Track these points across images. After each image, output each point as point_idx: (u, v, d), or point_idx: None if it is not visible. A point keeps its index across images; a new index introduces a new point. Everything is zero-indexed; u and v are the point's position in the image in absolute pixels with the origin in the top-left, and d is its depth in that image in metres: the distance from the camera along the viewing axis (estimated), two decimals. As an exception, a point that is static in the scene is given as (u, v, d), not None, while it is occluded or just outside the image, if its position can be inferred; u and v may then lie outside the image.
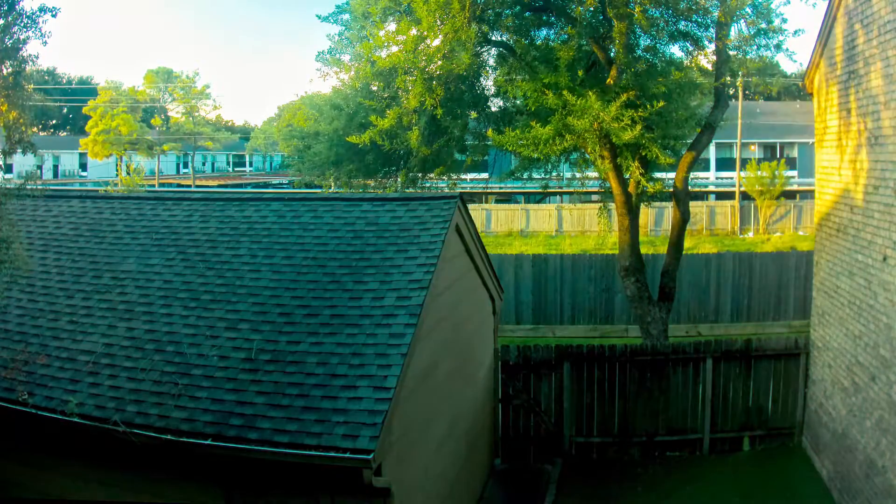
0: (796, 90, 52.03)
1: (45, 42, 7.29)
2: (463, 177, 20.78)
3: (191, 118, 62.97)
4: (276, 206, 10.01)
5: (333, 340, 7.46)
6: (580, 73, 12.00)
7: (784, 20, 13.10)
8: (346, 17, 14.62)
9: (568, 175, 17.91)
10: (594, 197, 34.58)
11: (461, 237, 9.93)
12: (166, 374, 7.32)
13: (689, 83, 12.34)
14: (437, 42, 12.34)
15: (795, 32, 12.85)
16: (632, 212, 14.20)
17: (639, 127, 11.07)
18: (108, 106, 54.87)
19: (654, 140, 11.83)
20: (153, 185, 53.27)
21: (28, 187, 7.52)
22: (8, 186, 7.39)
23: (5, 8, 7.10)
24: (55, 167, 66.71)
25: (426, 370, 8.27)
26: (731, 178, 44.72)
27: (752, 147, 48.21)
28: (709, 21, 12.68)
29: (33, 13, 7.20)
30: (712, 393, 13.05)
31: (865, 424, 10.29)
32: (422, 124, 12.89)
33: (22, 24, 7.13)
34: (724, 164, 48.86)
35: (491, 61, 14.87)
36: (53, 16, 7.35)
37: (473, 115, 14.92)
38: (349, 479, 6.35)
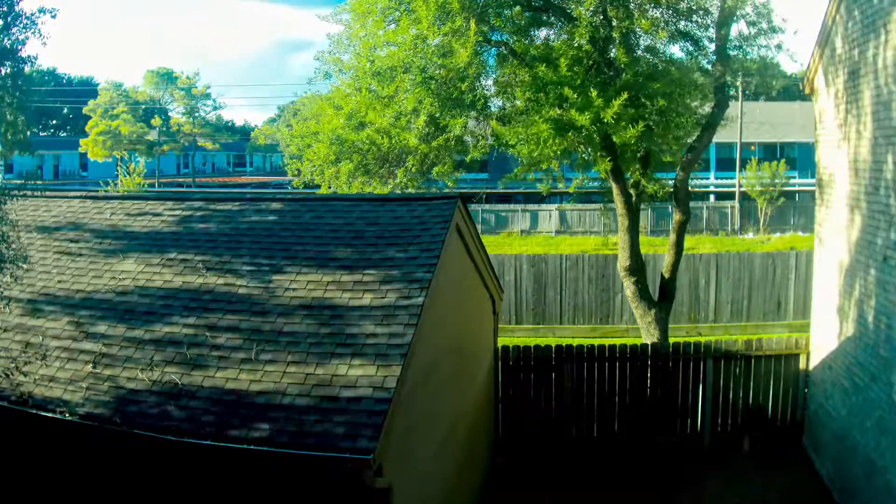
0: (796, 90, 51.94)
1: (45, 43, 7.32)
2: (463, 177, 20.77)
3: (191, 119, 63.08)
4: (276, 206, 10.00)
5: (333, 340, 7.46)
6: (580, 72, 11.98)
7: (784, 20, 13.09)
8: (346, 16, 14.60)
9: (568, 176, 17.90)
10: (594, 197, 34.57)
11: (461, 237, 9.92)
12: (166, 374, 7.33)
13: (690, 83, 12.34)
14: (436, 42, 12.33)
15: (796, 32, 12.85)
16: (632, 212, 14.18)
17: (640, 125, 11.06)
18: (108, 106, 54.92)
19: (655, 139, 11.81)
20: (153, 186, 53.30)
21: (28, 187, 7.53)
22: (8, 186, 7.39)
23: (4, 9, 7.10)
24: (55, 167, 66.75)
25: (426, 370, 8.26)
26: (732, 179, 44.72)
27: (752, 147, 48.17)
28: (709, 21, 12.69)
29: (32, 14, 7.21)
30: (712, 393, 13.06)
31: (865, 424, 10.28)
32: (420, 123, 12.87)
33: (21, 25, 7.14)
34: (724, 164, 48.83)
35: (491, 61, 14.84)
36: (52, 17, 7.36)
37: (473, 115, 14.90)
38: (349, 479, 6.34)
